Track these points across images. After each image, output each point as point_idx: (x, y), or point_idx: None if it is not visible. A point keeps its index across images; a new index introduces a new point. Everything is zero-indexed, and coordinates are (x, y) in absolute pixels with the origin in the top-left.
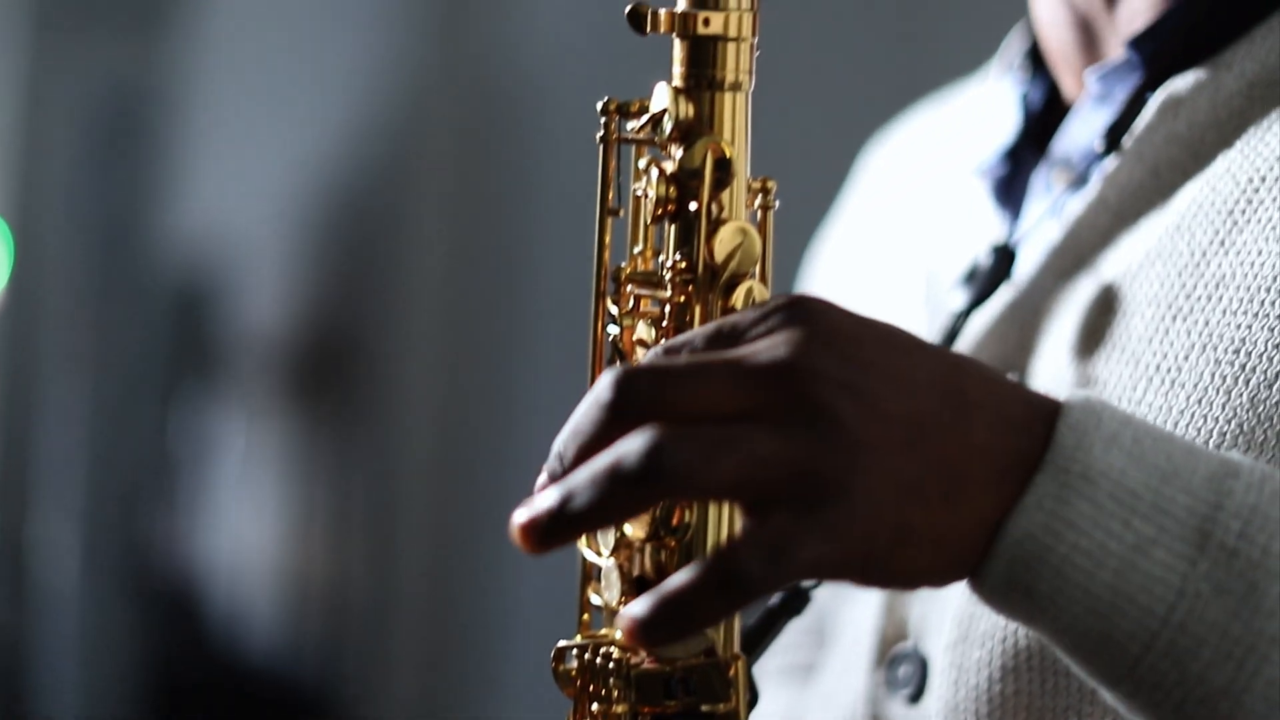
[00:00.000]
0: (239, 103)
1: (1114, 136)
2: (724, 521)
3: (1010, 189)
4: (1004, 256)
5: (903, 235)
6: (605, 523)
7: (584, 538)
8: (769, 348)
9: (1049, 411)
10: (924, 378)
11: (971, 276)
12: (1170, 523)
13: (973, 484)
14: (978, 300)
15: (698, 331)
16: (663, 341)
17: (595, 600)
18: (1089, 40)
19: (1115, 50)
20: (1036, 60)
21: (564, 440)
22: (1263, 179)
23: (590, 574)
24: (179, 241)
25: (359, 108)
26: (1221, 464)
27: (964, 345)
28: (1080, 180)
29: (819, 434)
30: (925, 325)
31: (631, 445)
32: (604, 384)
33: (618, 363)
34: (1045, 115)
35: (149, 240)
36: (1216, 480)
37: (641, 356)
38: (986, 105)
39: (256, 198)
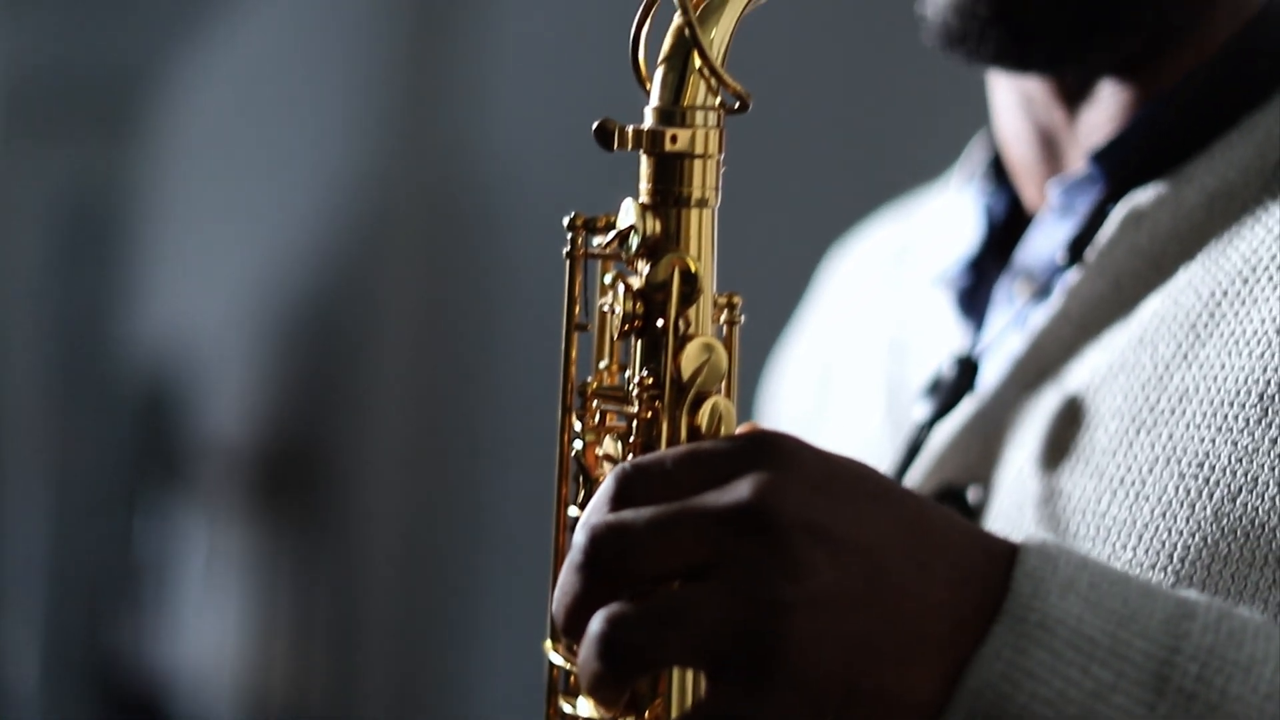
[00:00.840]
0: (203, 208)
1: (1076, 249)
2: (689, 687)
3: (973, 299)
4: (967, 368)
5: (864, 345)
6: (598, 699)
7: (549, 641)
8: (735, 490)
9: (1005, 558)
10: (887, 524)
11: (935, 388)
12: (1128, 668)
13: (930, 643)
14: (941, 412)
15: (666, 455)
16: (630, 459)
17: (566, 709)
18: (1051, 152)
19: (1077, 162)
20: (999, 171)
21: (555, 604)
22: (1224, 292)
23: (557, 684)
24: (143, 346)
25: (324, 214)
26: (1178, 605)
27: (927, 457)
28: (1043, 292)
29: (776, 581)
30: (887, 436)
31: (592, 629)
32: (578, 544)
33: (582, 480)
34: (1007, 226)
35: (113, 345)
36: (1173, 623)
37: (607, 472)
38: (948, 215)
39: (221, 303)
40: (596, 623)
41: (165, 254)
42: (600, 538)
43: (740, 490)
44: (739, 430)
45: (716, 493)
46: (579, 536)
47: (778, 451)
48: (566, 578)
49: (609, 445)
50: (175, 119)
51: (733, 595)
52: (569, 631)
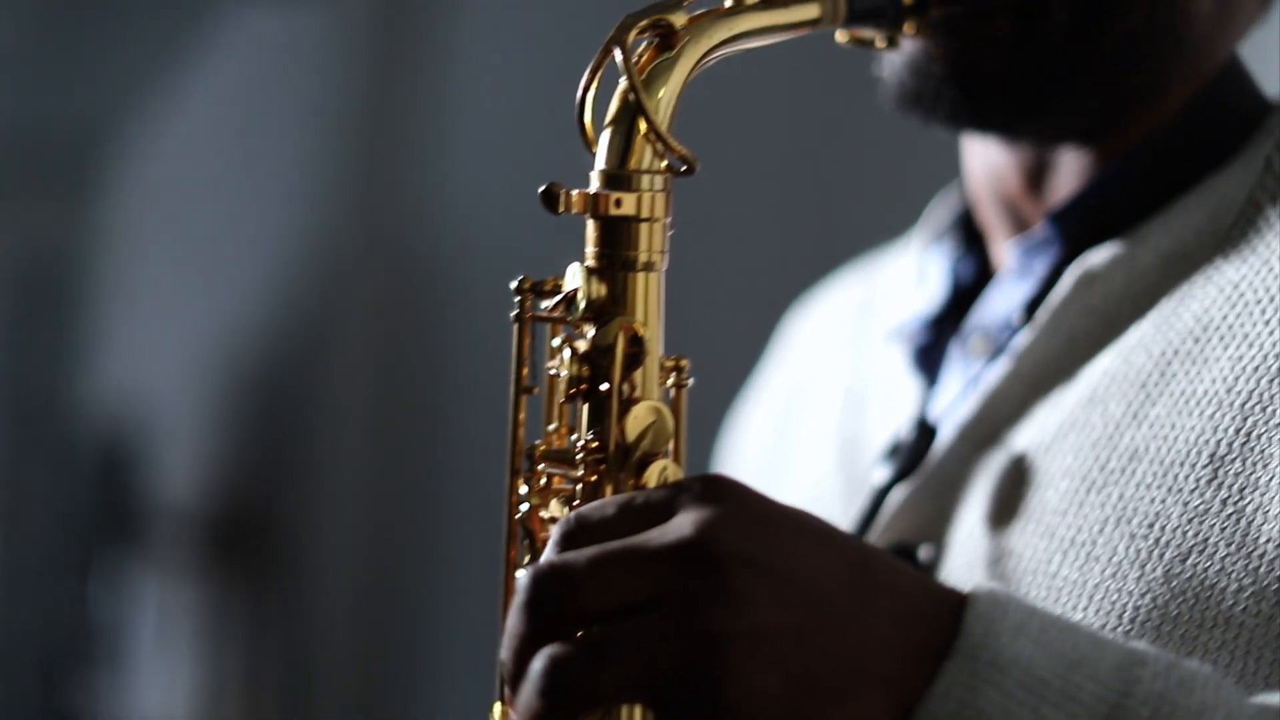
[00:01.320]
0: (159, 268)
1: (1033, 309)
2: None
3: (930, 356)
4: (925, 431)
5: (820, 399)
6: None
7: (498, 704)
8: (675, 527)
9: (954, 602)
10: (832, 567)
11: (894, 451)
12: (1079, 710)
13: (874, 678)
14: (901, 475)
15: (608, 502)
16: (572, 512)
17: None
18: (1013, 212)
19: (1037, 223)
20: (969, 230)
21: (503, 648)
22: (1175, 352)
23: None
24: (96, 409)
25: (278, 275)
26: (1128, 653)
27: (883, 518)
28: (998, 351)
29: (718, 617)
30: (839, 489)
31: (533, 668)
32: (521, 586)
33: (528, 544)
34: (973, 286)
35: (66, 408)
36: (1124, 668)
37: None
38: (911, 274)
39: (176, 363)
40: (538, 662)
41: (120, 314)
42: (542, 578)
43: (682, 526)
44: None
45: (659, 530)
46: (522, 580)
47: (718, 490)
48: (512, 620)
49: (555, 508)
50: (132, 178)
51: (673, 629)
52: (518, 675)
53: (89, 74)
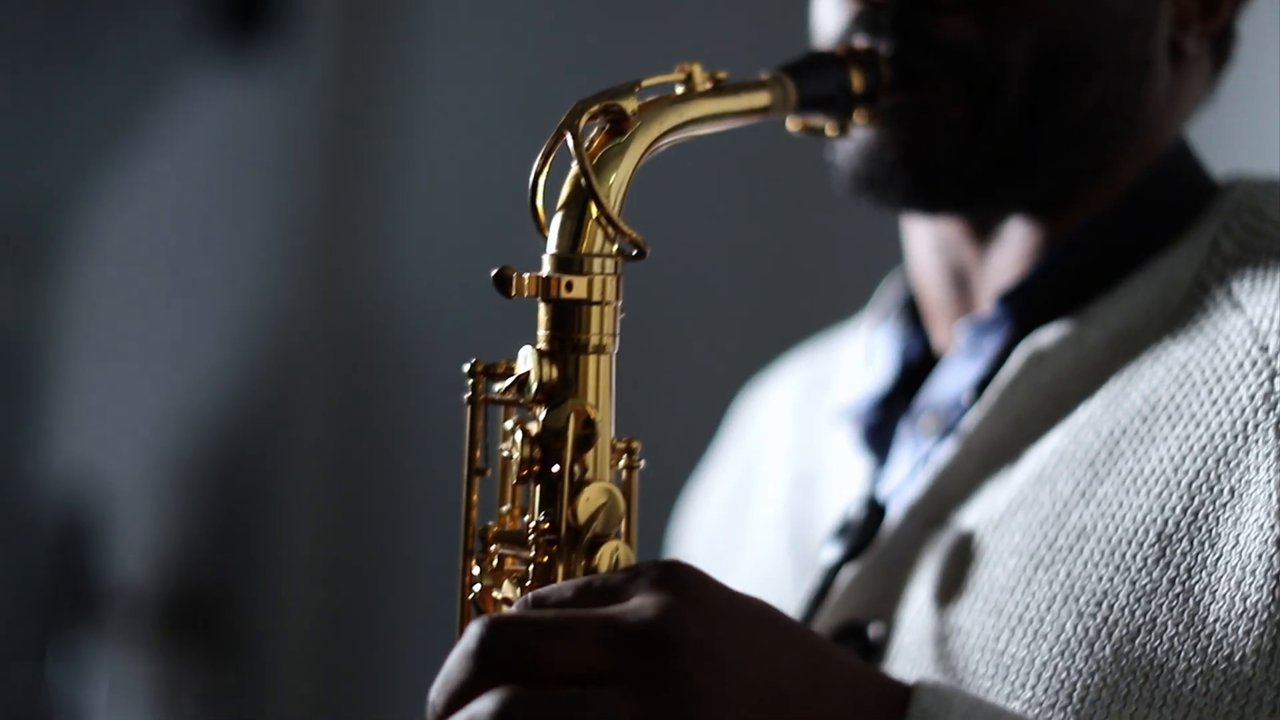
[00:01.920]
0: (115, 346)
1: (982, 389)
2: None
3: (879, 436)
4: (875, 510)
5: (772, 480)
6: None
7: None
8: (636, 609)
9: (901, 696)
10: (785, 658)
11: (844, 530)
12: None
13: None
14: (851, 554)
15: (566, 584)
16: (529, 594)
17: None
18: (962, 292)
19: (986, 303)
20: (914, 312)
21: (435, 689)
22: (1123, 431)
23: None
24: (53, 486)
25: (233, 355)
26: None
27: (834, 597)
28: (948, 430)
29: (673, 703)
30: (790, 569)
31: (483, 705)
32: (472, 633)
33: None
34: (919, 367)
35: (23, 484)
36: None
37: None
38: (861, 354)
39: (131, 443)
40: (487, 701)
41: (76, 391)
42: (500, 627)
43: (644, 610)
44: None
45: (620, 608)
46: (473, 628)
47: (679, 578)
48: (454, 664)
49: (508, 589)
50: (88, 253)
51: (626, 709)
52: (441, 716)
53: (45, 149)
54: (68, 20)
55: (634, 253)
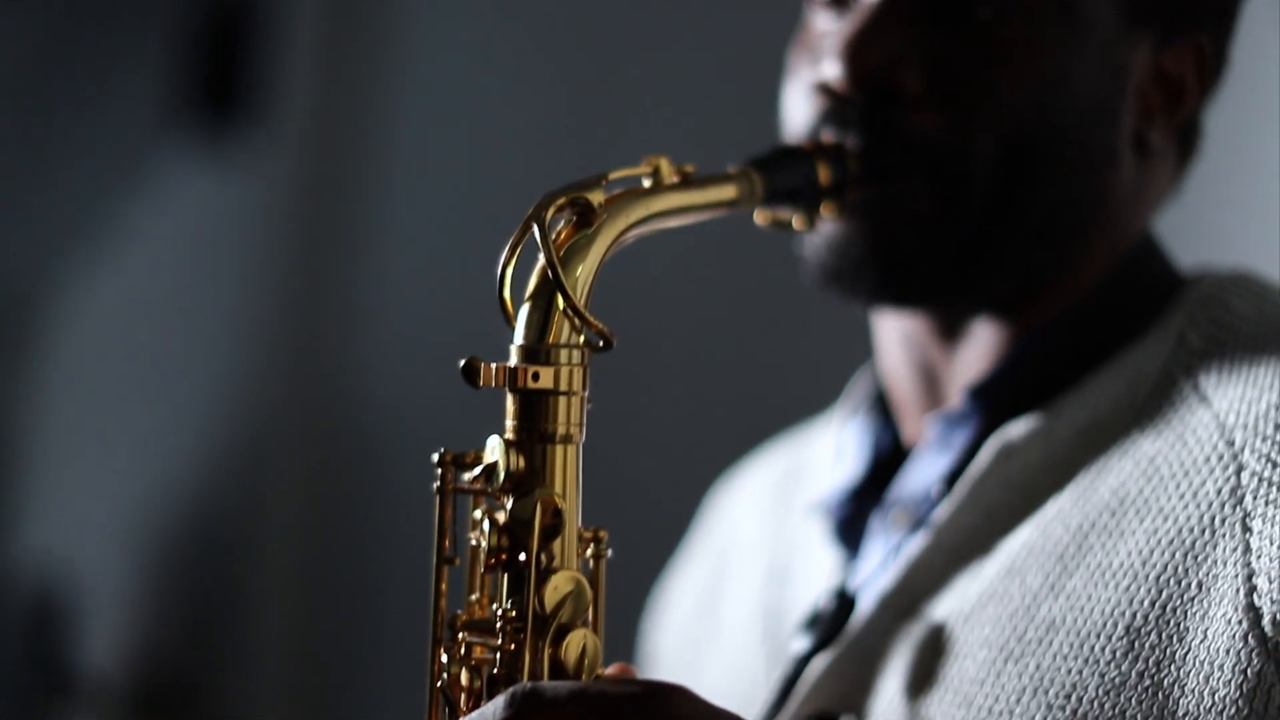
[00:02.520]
0: (85, 435)
1: (953, 482)
2: None
3: (851, 529)
4: (845, 602)
5: (744, 572)
6: None
7: None
8: None
9: None
10: None
11: (814, 621)
12: None
13: None
14: (820, 645)
15: (563, 685)
16: (528, 683)
17: None
18: (931, 387)
19: (955, 398)
20: (883, 406)
21: None
22: (1092, 525)
23: None
24: (24, 573)
25: (204, 443)
26: None
27: (804, 687)
28: (919, 523)
29: None
30: (762, 662)
31: None
32: (497, 704)
33: (449, 711)
34: (889, 460)
35: None
36: None
37: (470, 703)
38: (832, 448)
39: (102, 531)
40: None
41: (47, 478)
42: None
43: None
44: (610, 670)
45: None
46: (498, 699)
47: (672, 705)
48: None
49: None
50: (62, 342)
51: None
52: None
53: (20, 235)
54: (43, 106)
55: (601, 344)
